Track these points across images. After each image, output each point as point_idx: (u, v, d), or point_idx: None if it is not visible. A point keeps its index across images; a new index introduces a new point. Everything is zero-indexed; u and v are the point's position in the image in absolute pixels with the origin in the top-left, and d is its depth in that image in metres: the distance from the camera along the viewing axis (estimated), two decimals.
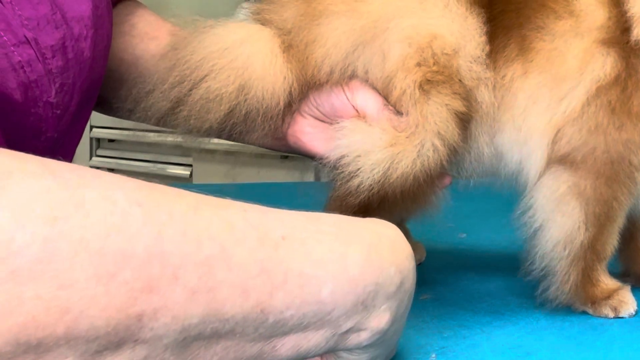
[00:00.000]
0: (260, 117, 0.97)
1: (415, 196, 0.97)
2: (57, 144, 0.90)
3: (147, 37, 1.12)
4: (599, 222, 0.96)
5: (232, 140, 1.07)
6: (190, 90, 0.97)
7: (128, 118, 1.06)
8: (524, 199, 0.98)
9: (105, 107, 1.12)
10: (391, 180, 0.93)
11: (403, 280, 0.66)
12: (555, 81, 0.95)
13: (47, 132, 0.84)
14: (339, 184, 0.95)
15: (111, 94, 1.06)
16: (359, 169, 0.93)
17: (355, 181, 0.93)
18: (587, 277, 0.97)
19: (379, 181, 0.92)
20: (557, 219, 0.96)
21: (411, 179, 0.93)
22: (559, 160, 0.96)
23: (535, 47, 0.95)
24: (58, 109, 0.84)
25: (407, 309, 0.69)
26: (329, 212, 1.01)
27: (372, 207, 0.98)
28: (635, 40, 0.93)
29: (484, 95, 0.96)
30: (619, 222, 0.97)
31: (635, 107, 0.93)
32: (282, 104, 0.97)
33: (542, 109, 0.96)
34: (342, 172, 0.94)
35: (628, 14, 0.94)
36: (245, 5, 1.06)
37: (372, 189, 0.93)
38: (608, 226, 0.96)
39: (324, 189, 1.03)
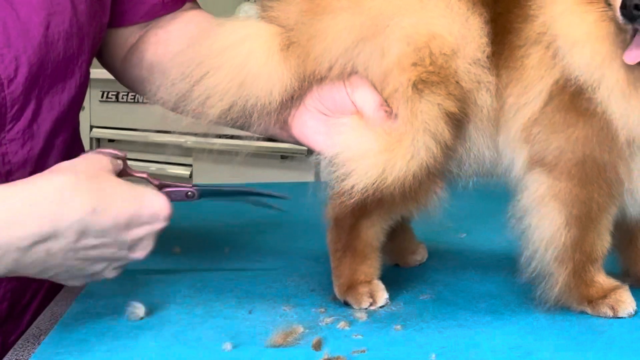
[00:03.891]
0: (256, 113, 0.99)
1: (415, 195, 0.97)
2: (16, 110, 1.00)
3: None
4: (580, 223, 0.95)
5: (238, 129, 1.09)
6: (193, 86, 0.99)
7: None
8: (513, 201, 0.99)
9: (134, 89, 1.26)
10: (387, 183, 0.93)
11: (9, 263, 0.84)
12: (525, 88, 0.96)
13: None
14: (335, 182, 0.96)
15: (141, 88, 1.19)
16: (352, 170, 0.94)
17: (349, 182, 0.93)
18: (579, 279, 0.97)
19: (374, 184, 0.93)
20: (538, 221, 0.97)
21: (410, 179, 0.93)
22: (538, 162, 0.96)
23: (517, 54, 0.96)
24: None
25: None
26: (328, 211, 1.01)
27: (371, 207, 0.98)
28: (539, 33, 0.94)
29: (485, 99, 0.96)
30: (605, 223, 0.97)
31: (584, 104, 0.93)
32: (277, 101, 0.98)
33: (522, 113, 0.96)
34: (337, 170, 0.95)
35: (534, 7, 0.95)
36: (246, 5, 1.07)
37: (366, 191, 0.93)
38: (592, 227, 0.96)
39: (323, 188, 1.03)
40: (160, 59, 1.15)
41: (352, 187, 0.93)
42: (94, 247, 0.88)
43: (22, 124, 1.03)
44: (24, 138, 1.03)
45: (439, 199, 0.99)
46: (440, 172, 0.98)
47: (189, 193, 0.99)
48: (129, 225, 0.89)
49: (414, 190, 0.95)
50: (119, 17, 1.19)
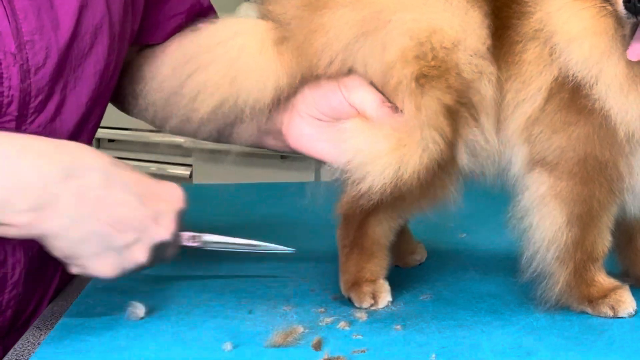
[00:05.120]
0: (248, 109, 0.99)
1: (426, 192, 0.97)
2: (40, 101, 0.99)
3: None
4: (582, 222, 0.96)
5: (231, 143, 1.08)
6: (184, 81, 0.99)
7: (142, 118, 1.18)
8: (514, 201, 0.99)
9: (124, 104, 1.24)
10: (405, 179, 0.93)
11: (42, 195, 0.87)
12: (523, 84, 0.96)
13: (11, 80, 0.96)
14: (349, 187, 0.95)
15: (129, 89, 1.16)
16: (367, 173, 0.93)
17: (365, 184, 0.93)
18: (580, 278, 0.97)
19: (391, 182, 0.93)
20: (539, 220, 0.96)
21: (424, 172, 0.94)
22: (539, 162, 0.96)
23: (515, 49, 0.96)
24: (22, 61, 0.97)
25: (82, 217, 0.89)
26: (338, 208, 1.01)
27: (378, 205, 0.98)
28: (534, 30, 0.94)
29: (487, 89, 0.96)
30: (606, 221, 0.97)
31: (584, 101, 0.93)
32: (270, 97, 0.98)
33: (521, 110, 0.96)
34: (351, 176, 0.94)
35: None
36: (246, 4, 1.07)
37: (384, 190, 0.93)
38: (593, 226, 0.96)
39: (324, 189, 1.03)
40: (154, 74, 1.12)
41: (369, 189, 0.93)
42: (121, 203, 0.90)
43: (44, 117, 1.01)
44: (45, 133, 1.01)
45: (452, 196, 0.99)
46: (448, 167, 0.97)
47: (194, 237, 1.01)
48: (150, 193, 0.93)
49: (426, 186, 0.96)
50: (144, 34, 1.17)
